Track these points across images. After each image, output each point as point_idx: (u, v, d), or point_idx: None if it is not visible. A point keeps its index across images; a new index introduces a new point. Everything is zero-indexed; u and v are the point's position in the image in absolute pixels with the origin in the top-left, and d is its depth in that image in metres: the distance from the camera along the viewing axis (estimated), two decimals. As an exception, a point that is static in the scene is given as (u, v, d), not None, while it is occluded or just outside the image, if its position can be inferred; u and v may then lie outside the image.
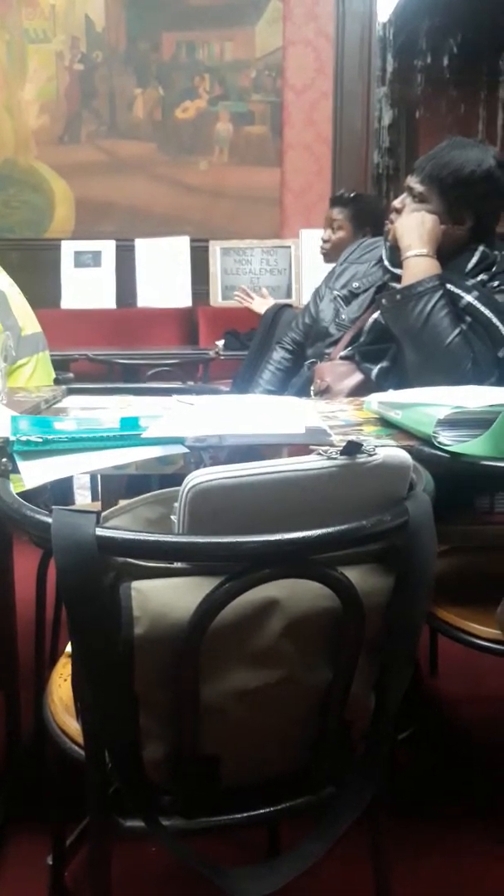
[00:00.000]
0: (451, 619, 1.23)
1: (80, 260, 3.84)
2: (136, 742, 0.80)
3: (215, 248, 3.89)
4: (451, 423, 1.06)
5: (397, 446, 0.90)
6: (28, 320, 1.82)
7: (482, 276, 1.52)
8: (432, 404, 1.11)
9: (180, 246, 3.86)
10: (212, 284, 3.89)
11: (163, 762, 0.81)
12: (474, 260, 1.53)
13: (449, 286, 1.47)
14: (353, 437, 0.81)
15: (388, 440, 1.11)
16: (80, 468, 1.01)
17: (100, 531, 0.72)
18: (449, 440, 1.06)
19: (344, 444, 0.79)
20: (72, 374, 2.24)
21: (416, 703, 1.67)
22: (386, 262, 1.64)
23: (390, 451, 0.82)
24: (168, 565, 0.76)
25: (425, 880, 1.25)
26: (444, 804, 1.44)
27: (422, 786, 1.49)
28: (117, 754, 0.80)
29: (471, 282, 1.50)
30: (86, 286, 3.82)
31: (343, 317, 1.69)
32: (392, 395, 1.24)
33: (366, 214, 2.72)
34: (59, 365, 2.00)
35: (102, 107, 3.86)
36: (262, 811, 0.87)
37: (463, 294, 1.47)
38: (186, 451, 1.03)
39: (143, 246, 3.86)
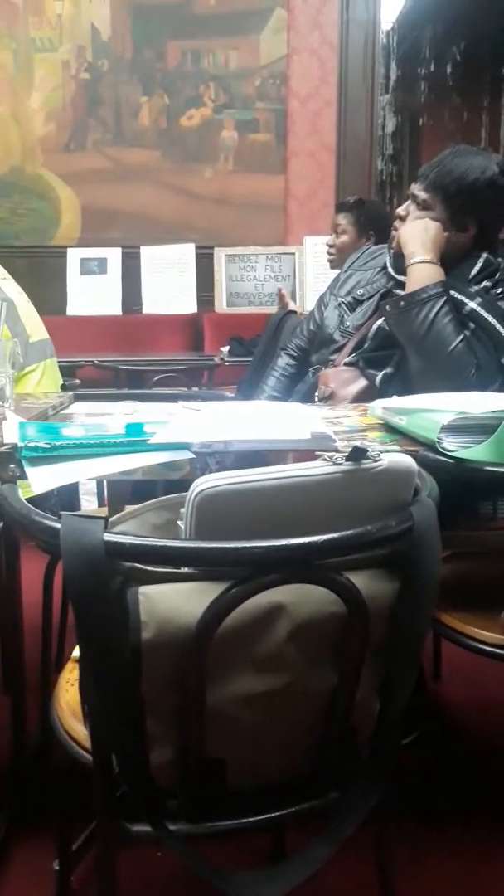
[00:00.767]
0: (455, 624, 1.23)
1: (86, 267, 3.86)
2: (143, 746, 0.80)
3: (220, 254, 3.90)
4: (455, 428, 1.07)
5: (402, 452, 0.90)
6: (36, 327, 1.83)
7: (485, 283, 1.52)
8: (436, 410, 1.11)
9: (185, 253, 3.88)
10: (217, 291, 3.90)
11: (169, 766, 0.82)
12: (478, 267, 1.54)
13: (452, 293, 1.48)
14: (358, 443, 0.81)
15: (392, 446, 1.11)
16: (87, 474, 1.01)
17: (108, 536, 0.72)
18: (453, 446, 1.06)
19: (349, 450, 0.80)
20: (78, 380, 2.25)
21: (420, 707, 1.67)
22: (390, 269, 1.65)
23: (395, 457, 0.83)
24: (175, 570, 0.76)
25: (430, 884, 1.25)
26: (448, 808, 1.43)
27: (426, 790, 1.49)
28: (124, 759, 0.81)
29: (474, 288, 1.51)
30: (91, 293, 3.84)
31: (347, 323, 1.70)
32: (396, 401, 1.25)
33: (369, 219, 2.73)
34: (66, 371, 2.01)
35: (108, 115, 3.89)
36: (267, 815, 0.87)
37: (466, 301, 1.48)
38: (192, 456, 1.03)
39: (148, 253, 3.88)
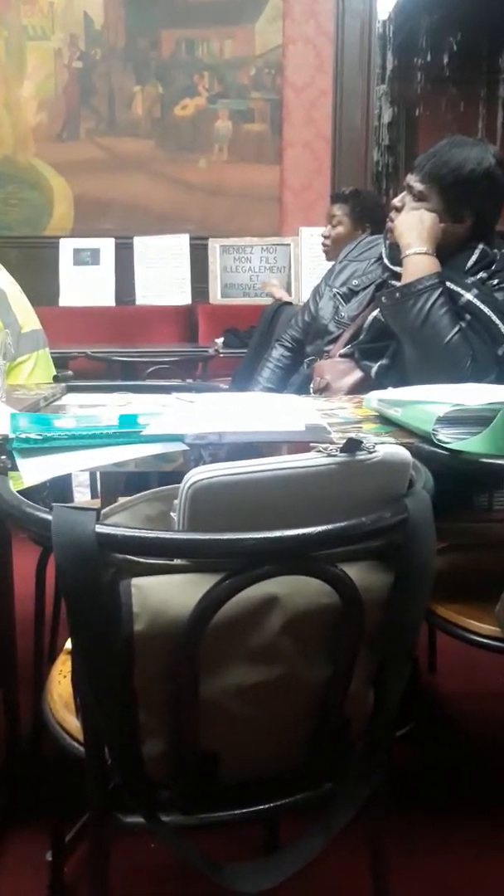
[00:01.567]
0: (450, 615, 1.23)
1: (79, 257, 3.84)
2: (136, 738, 0.80)
3: (215, 245, 3.89)
4: (450, 420, 1.06)
5: (397, 444, 0.90)
6: (28, 317, 1.82)
7: (482, 274, 1.52)
8: (432, 402, 1.11)
9: (180, 244, 3.86)
10: (211, 282, 3.89)
11: (162, 758, 0.81)
12: (474, 258, 1.53)
13: (448, 284, 1.47)
14: (352, 435, 0.81)
15: (387, 438, 1.11)
16: (79, 465, 1.01)
17: (100, 528, 0.72)
18: (448, 438, 1.06)
19: (344, 441, 0.80)
20: (71, 371, 2.23)
21: (414, 699, 1.67)
22: (386, 260, 1.64)
23: (390, 449, 0.82)
24: (168, 562, 0.76)
25: (423, 876, 1.25)
26: (442, 800, 1.44)
27: (420, 782, 1.50)
28: (117, 750, 0.81)
29: (470, 280, 1.50)
30: (85, 284, 3.82)
31: (342, 314, 1.69)
32: (392, 393, 1.24)
33: (364, 210, 2.72)
34: (58, 362, 1.99)
35: (101, 104, 3.86)
36: (261, 807, 0.87)
37: (462, 292, 1.47)
38: (186, 448, 1.03)
39: (142, 244, 3.86)
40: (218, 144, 3.88)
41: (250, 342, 2.74)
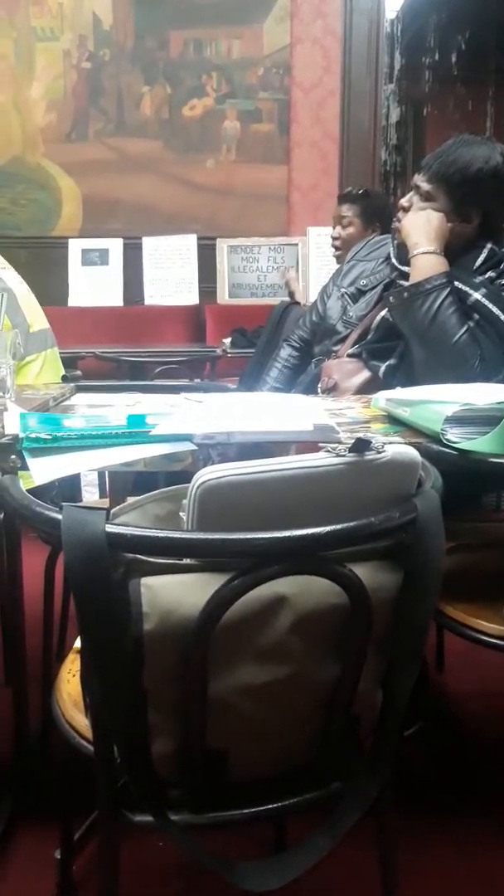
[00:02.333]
0: (459, 615, 1.23)
1: (88, 258, 3.85)
2: (145, 737, 0.80)
3: (222, 245, 3.89)
4: (459, 420, 1.06)
5: (405, 443, 0.90)
6: (36, 317, 1.83)
7: (490, 274, 1.51)
8: (440, 401, 1.11)
9: (187, 244, 3.86)
10: (219, 282, 3.89)
11: (171, 757, 0.82)
12: (482, 257, 1.53)
13: (457, 284, 1.47)
14: (361, 435, 0.81)
15: (396, 437, 1.11)
16: (88, 465, 1.01)
17: (110, 527, 0.72)
18: (457, 437, 1.06)
19: (352, 441, 0.80)
20: (79, 371, 2.24)
21: (422, 699, 1.67)
22: (394, 260, 1.64)
23: (399, 449, 0.82)
24: (177, 562, 0.76)
25: (432, 874, 1.25)
26: (450, 799, 1.44)
27: (428, 781, 1.50)
28: (126, 749, 0.81)
29: (478, 279, 1.50)
30: (93, 284, 3.83)
31: (350, 314, 1.69)
32: (400, 393, 1.24)
33: (374, 210, 2.72)
34: (67, 362, 2.00)
35: (110, 105, 3.87)
36: (269, 806, 0.87)
37: (471, 291, 1.47)
38: (195, 448, 1.03)
39: (150, 244, 3.86)
40: (226, 144, 3.89)
41: (258, 342, 2.74)
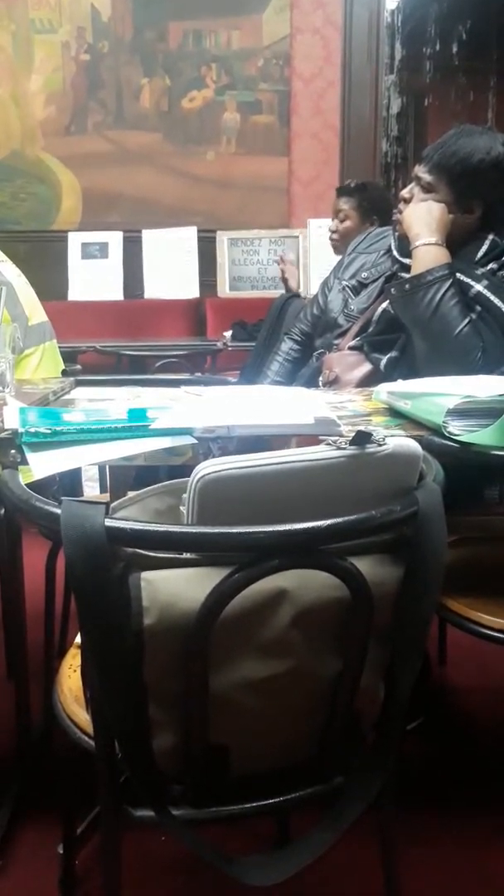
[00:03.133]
0: (461, 609, 1.22)
1: (88, 251, 3.84)
2: (146, 732, 0.80)
3: (223, 238, 3.87)
4: (460, 412, 1.05)
5: (407, 436, 0.89)
6: (35, 310, 1.82)
7: (492, 265, 1.50)
8: (442, 394, 1.10)
9: (188, 236, 3.84)
10: (219, 275, 3.88)
11: (172, 752, 0.81)
12: (484, 249, 1.52)
13: (458, 275, 1.46)
14: (362, 428, 0.80)
15: (397, 430, 1.10)
16: (88, 459, 1.01)
17: (109, 522, 0.72)
18: (459, 430, 1.05)
19: (353, 434, 0.79)
20: (79, 365, 2.23)
21: (425, 693, 1.67)
22: (395, 252, 1.63)
23: (400, 441, 0.82)
24: (177, 556, 0.76)
25: (433, 869, 1.25)
26: (452, 793, 1.44)
27: (430, 775, 1.50)
28: (127, 744, 0.81)
29: (480, 271, 1.49)
30: (93, 278, 3.82)
31: (352, 307, 1.68)
32: (401, 386, 1.24)
33: (372, 204, 2.70)
34: (67, 357, 1.99)
35: (109, 97, 3.85)
36: (271, 800, 0.87)
37: (473, 283, 1.46)
38: (195, 441, 1.03)
39: (150, 237, 3.85)
40: (226, 136, 3.87)
41: (259, 335, 2.73)
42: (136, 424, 1.03)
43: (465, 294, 1.45)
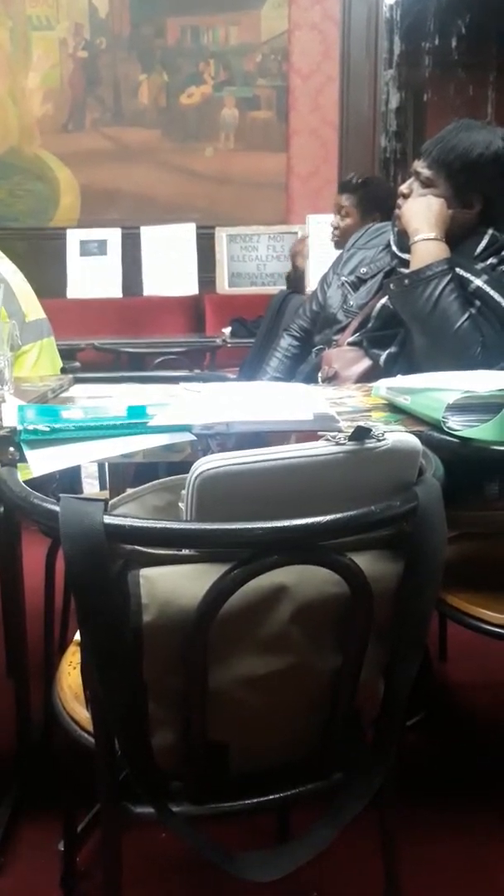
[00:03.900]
0: (461, 604, 1.22)
1: (86, 248, 3.83)
2: (146, 729, 0.80)
3: (221, 234, 3.86)
4: (460, 407, 1.05)
5: (406, 432, 0.89)
6: (32, 306, 1.81)
7: (491, 260, 1.50)
8: (441, 389, 1.10)
9: (186, 233, 3.84)
10: (218, 271, 3.87)
11: (172, 749, 0.81)
12: (483, 244, 1.51)
13: (458, 270, 1.46)
14: (361, 423, 0.80)
15: (396, 426, 1.10)
16: (87, 457, 1.00)
17: (108, 519, 0.72)
18: (458, 425, 1.05)
19: (352, 430, 0.79)
20: (78, 363, 2.23)
21: (425, 689, 1.67)
22: (394, 248, 1.62)
23: (399, 437, 0.81)
24: (176, 552, 0.75)
25: (434, 865, 1.25)
26: (453, 790, 1.44)
27: (431, 771, 1.49)
28: (127, 741, 0.81)
29: (480, 266, 1.48)
30: (91, 275, 3.81)
31: (351, 303, 1.68)
32: (401, 381, 1.23)
33: (374, 200, 2.69)
34: (66, 354, 1.99)
35: (107, 94, 3.84)
36: (271, 797, 0.87)
37: (472, 278, 1.46)
38: (194, 438, 1.03)
39: (148, 233, 3.84)
40: (224, 132, 3.86)
41: (258, 332, 2.73)
42: (135, 421, 1.02)
43: (465, 289, 1.45)
